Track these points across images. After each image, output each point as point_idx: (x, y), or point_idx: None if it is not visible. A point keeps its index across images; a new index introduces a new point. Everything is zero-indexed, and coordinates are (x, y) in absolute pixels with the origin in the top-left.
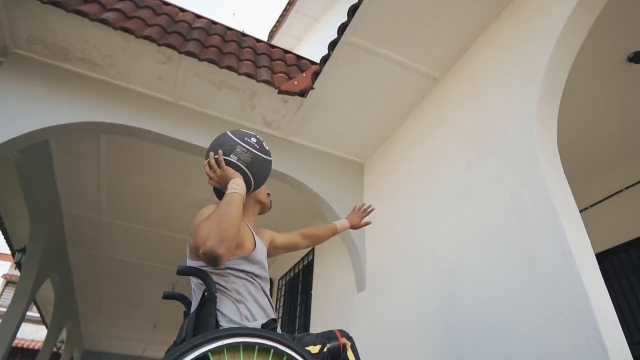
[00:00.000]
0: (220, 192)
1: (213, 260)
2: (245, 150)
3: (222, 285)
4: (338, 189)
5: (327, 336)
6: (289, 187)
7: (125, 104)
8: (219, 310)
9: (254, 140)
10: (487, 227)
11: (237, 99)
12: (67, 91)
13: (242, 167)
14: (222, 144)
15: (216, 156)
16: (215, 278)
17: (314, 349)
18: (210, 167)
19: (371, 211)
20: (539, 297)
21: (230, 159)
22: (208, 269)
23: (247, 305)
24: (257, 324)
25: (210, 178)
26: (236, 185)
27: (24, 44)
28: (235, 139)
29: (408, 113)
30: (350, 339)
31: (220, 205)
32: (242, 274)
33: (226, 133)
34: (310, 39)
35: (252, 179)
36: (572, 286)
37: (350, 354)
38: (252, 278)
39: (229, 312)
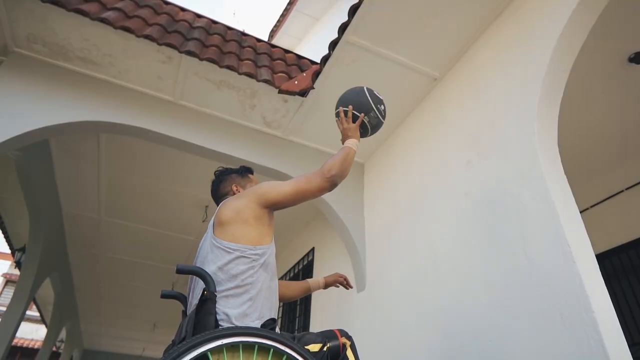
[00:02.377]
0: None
1: (331, 186)
2: (376, 116)
3: (238, 277)
4: (338, 188)
5: (327, 335)
6: None
7: (125, 103)
8: (221, 306)
9: (382, 107)
10: (486, 227)
11: (237, 99)
12: (67, 90)
13: (369, 128)
14: (361, 103)
15: (353, 111)
16: (235, 267)
17: (314, 348)
18: (343, 116)
19: (347, 288)
20: (539, 297)
21: (363, 119)
22: (236, 253)
23: (252, 302)
24: (257, 324)
25: (342, 129)
26: (354, 145)
27: (24, 43)
28: (372, 103)
29: (408, 113)
30: (349, 338)
31: (341, 151)
32: (260, 270)
33: (364, 91)
34: (311, 39)
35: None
36: (572, 286)
37: (349, 353)
38: (266, 276)
39: (233, 310)
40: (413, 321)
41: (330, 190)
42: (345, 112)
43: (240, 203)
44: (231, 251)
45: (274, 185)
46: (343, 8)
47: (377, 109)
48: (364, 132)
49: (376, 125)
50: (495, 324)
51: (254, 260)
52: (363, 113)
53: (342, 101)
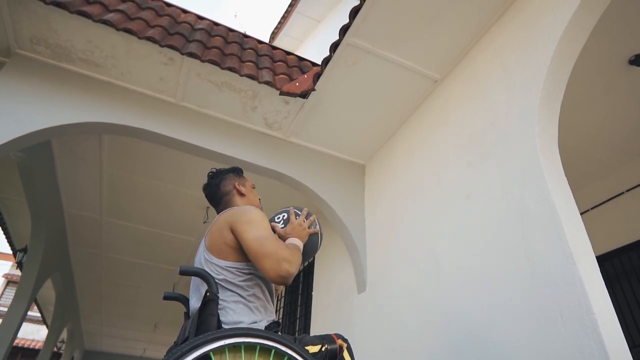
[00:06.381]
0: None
1: (285, 280)
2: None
3: (243, 289)
4: (339, 190)
5: (324, 338)
6: (290, 188)
7: (128, 104)
8: (231, 312)
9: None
10: (488, 228)
11: (238, 100)
12: (70, 92)
13: (318, 242)
14: (315, 224)
15: (316, 226)
16: (238, 281)
17: (313, 349)
18: (306, 221)
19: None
20: (540, 298)
21: (319, 232)
22: (235, 271)
23: (259, 310)
24: (260, 326)
25: (297, 224)
26: (301, 247)
27: (26, 45)
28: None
29: (409, 114)
30: (345, 340)
31: (295, 249)
32: (260, 281)
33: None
34: (312, 41)
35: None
36: (572, 288)
37: (346, 354)
38: (267, 286)
39: (243, 317)
40: (413, 322)
41: (287, 283)
42: (308, 216)
43: (221, 236)
44: (226, 267)
45: (247, 230)
46: (344, 10)
47: (321, 241)
48: (310, 251)
49: (314, 251)
50: (496, 326)
51: (248, 273)
52: (318, 229)
53: (295, 207)
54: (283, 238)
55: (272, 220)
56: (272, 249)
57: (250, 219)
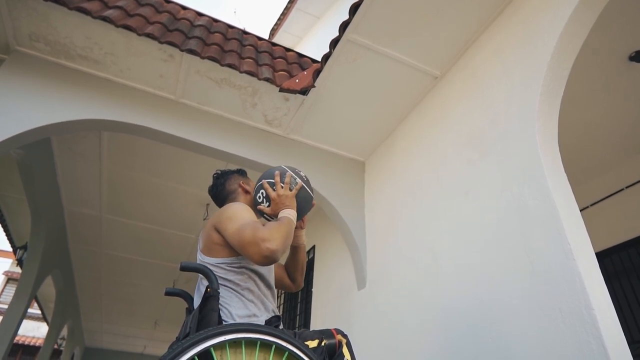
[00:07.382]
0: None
1: (270, 259)
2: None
3: (236, 284)
4: (339, 186)
5: (323, 333)
6: None
7: (127, 101)
8: (227, 307)
9: (303, 174)
10: (487, 225)
11: (238, 97)
12: (69, 89)
13: (310, 192)
14: (291, 173)
15: (296, 180)
16: (230, 276)
17: (312, 344)
18: (283, 185)
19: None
20: (539, 295)
21: (304, 184)
22: (226, 267)
23: (255, 304)
24: (261, 321)
25: (276, 195)
26: (293, 216)
27: (26, 41)
28: (306, 180)
29: (409, 111)
30: (345, 336)
31: (286, 221)
32: (253, 275)
33: (285, 169)
34: (312, 37)
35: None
36: (572, 284)
37: (345, 350)
38: (261, 279)
39: (238, 310)
40: (413, 319)
41: (274, 262)
42: (282, 177)
43: (209, 236)
44: (217, 264)
45: (228, 227)
46: (344, 6)
47: (309, 185)
48: (305, 203)
49: (309, 199)
50: (495, 322)
51: (239, 267)
52: (300, 180)
53: (266, 177)
54: (275, 215)
55: (255, 203)
56: (250, 235)
57: (229, 215)
